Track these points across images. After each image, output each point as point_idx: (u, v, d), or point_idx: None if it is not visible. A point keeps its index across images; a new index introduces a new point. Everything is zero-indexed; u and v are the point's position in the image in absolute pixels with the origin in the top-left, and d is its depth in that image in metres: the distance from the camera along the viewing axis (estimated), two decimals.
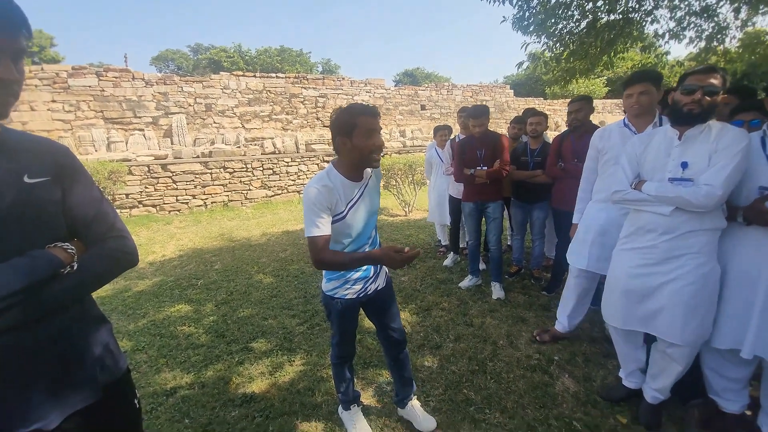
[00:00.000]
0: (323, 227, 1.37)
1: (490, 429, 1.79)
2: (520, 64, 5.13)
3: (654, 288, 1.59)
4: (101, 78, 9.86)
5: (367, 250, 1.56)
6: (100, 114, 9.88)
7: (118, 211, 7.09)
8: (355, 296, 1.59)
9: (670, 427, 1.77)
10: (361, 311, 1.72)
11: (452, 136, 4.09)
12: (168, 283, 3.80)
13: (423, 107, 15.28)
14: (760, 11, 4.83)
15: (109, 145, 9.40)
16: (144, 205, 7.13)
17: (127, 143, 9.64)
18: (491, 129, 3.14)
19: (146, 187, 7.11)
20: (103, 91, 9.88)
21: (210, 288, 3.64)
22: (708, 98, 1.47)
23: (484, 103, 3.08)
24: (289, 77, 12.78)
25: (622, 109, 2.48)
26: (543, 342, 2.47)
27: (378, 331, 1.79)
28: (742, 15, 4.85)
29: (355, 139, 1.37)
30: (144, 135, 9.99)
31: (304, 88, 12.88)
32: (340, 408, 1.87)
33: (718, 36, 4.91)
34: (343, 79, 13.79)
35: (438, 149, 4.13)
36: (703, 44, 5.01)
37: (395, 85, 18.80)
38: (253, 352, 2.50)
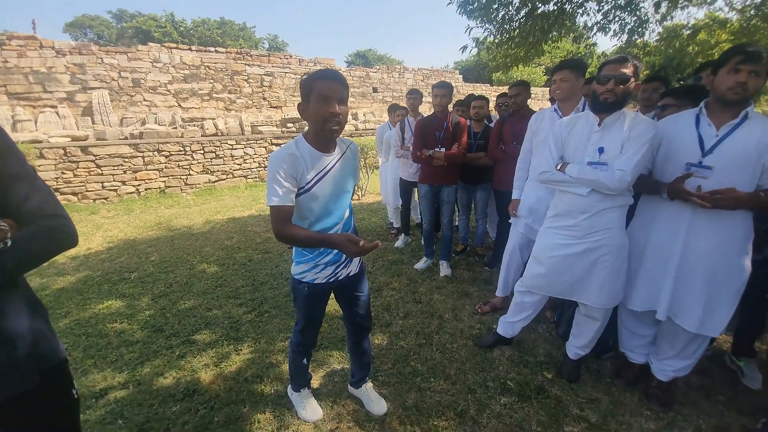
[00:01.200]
0: (285, 197, 1.30)
1: (435, 396, 1.90)
2: (464, 47, 5.23)
3: (576, 261, 1.76)
4: (4, 47, 8.39)
5: (340, 230, 1.49)
6: (3, 89, 8.45)
7: None
8: (324, 281, 1.53)
9: (587, 378, 2.01)
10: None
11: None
12: (94, 278, 3.44)
13: (375, 90, 15.11)
14: (680, 5, 5.36)
15: (15, 124, 8.09)
16: (62, 193, 6.29)
17: (36, 122, 8.37)
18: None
19: (63, 173, 6.27)
20: (6, 62, 8.44)
21: (145, 281, 3.36)
22: (621, 87, 1.59)
23: None
24: (231, 52, 11.86)
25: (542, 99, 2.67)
26: (484, 313, 2.65)
27: (345, 315, 1.76)
28: (662, 9, 5.35)
29: (311, 105, 1.29)
30: (57, 113, 8.73)
31: (248, 65, 12.05)
32: (289, 388, 1.86)
33: (639, 29, 5.40)
34: (291, 57, 13.11)
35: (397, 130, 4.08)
36: (625, 37, 5.49)
37: (347, 66, 18.33)
38: (196, 345, 2.38)
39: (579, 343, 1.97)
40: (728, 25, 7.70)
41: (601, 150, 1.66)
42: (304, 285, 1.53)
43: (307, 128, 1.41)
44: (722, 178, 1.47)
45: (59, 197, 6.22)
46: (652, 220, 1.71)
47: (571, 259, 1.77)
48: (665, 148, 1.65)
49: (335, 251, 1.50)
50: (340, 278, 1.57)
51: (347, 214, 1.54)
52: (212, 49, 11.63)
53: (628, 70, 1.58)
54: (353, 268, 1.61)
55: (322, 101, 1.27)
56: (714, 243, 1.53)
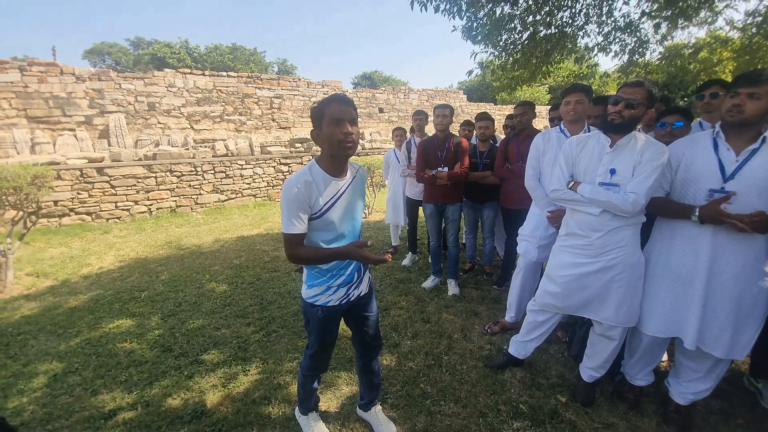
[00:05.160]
0: (299, 225, 1.36)
1: (445, 419, 1.86)
2: (470, 71, 5.39)
3: (591, 279, 1.75)
4: (25, 73, 8.83)
5: None
6: (23, 113, 8.84)
7: (44, 220, 6.31)
8: (337, 303, 1.54)
9: (602, 402, 1.95)
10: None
11: (407, 139, 4.18)
12: (106, 297, 3.49)
13: (381, 110, 15.45)
14: (679, 25, 5.47)
15: (34, 146, 8.42)
16: (77, 213, 6.46)
17: (54, 145, 8.69)
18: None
19: (79, 193, 6.45)
20: (27, 87, 8.85)
21: (155, 300, 3.39)
22: (629, 110, 1.60)
23: None
24: (242, 76, 12.29)
25: (549, 117, 2.74)
26: (494, 333, 2.61)
27: (354, 336, 1.75)
28: (662, 30, 5.47)
29: (324, 128, 1.35)
30: (75, 136, 9.07)
31: (258, 88, 12.46)
32: (297, 411, 1.84)
33: (640, 50, 5.51)
34: (300, 80, 13.53)
35: (396, 150, 4.21)
36: (626, 57, 5.60)
37: (354, 88, 18.82)
38: (204, 365, 2.38)
39: (593, 363, 1.93)
40: (730, 44, 7.80)
41: (612, 171, 1.66)
42: (317, 309, 1.53)
43: (320, 153, 1.46)
44: (745, 202, 1.46)
45: (74, 217, 6.39)
46: (670, 243, 1.68)
47: (587, 277, 1.76)
48: (684, 172, 1.63)
49: (347, 273, 1.52)
50: (351, 299, 1.57)
51: (360, 236, 1.57)
52: (224, 73, 12.08)
53: (638, 95, 1.59)
54: (363, 287, 1.62)
55: (335, 124, 1.33)
56: (740, 266, 1.50)
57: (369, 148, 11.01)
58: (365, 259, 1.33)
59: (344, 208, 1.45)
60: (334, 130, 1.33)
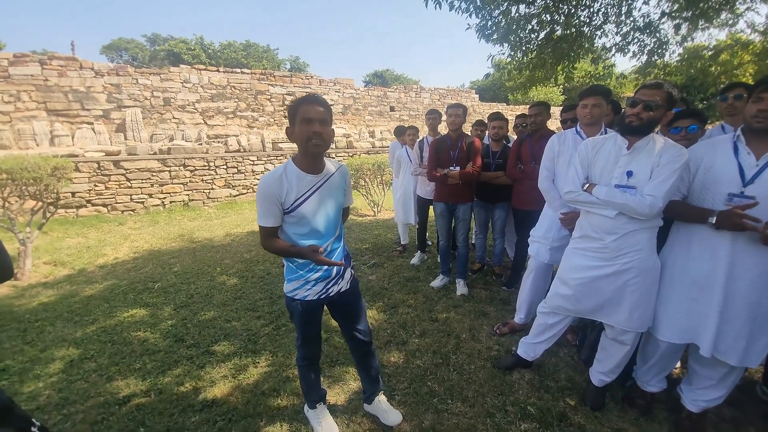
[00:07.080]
0: (269, 219, 1.46)
1: (452, 418, 1.86)
2: (488, 75, 5.38)
3: (604, 283, 1.72)
4: (45, 66, 9.04)
5: (329, 248, 1.55)
6: (43, 105, 9.06)
7: (62, 210, 6.47)
8: (315, 297, 1.59)
9: (612, 407, 1.93)
10: (327, 310, 1.73)
11: (419, 138, 4.18)
12: (121, 286, 3.57)
13: (392, 108, 15.44)
14: (700, 27, 5.35)
15: (53, 139, 8.64)
16: (93, 205, 6.62)
17: (73, 138, 8.90)
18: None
19: (96, 185, 6.61)
20: (47, 80, 9.07)
21: (168, 291, 3.46)
22: (648, 113, 1.57)
23: None
24: (255, 73, 12.42)
25: (561, 118, 2.72)
26: (502, 334, 2.60)
27: (343, 331, 1.81)
28: (682, 31, 5.35)
29: (296, 127, 1.41)
30: (93, 129, 9.27)
31: (271, 85, 12.57)
32: (305, 406, 1.87)
33: (659, 51, 5.40)
34: (312, 77, 13.61)
35: (408, 149, 4.20)
36: (645, 58, 5.49)
37: (365, 86, 18.85)
38: (215, 356, 2.42)
39: (604, 368, 1.91)
40: (751, 47, 7.59)
41: (629, 173, 1.63)
42: (297, 302, 1.59)
43: (298, 151, 1.51)
44: (765, 207, 1.41)
45: (91, 209, 6.55)
46: (687, 247, 1.64)
47: (600, 281, 1.73)
48: (703, 176, 1.59)
49: (324, 269, 1.57)
50: (331, 294, 1.62)
51: (337, 233, 1.60)
52: (238, 70, 12.22)
53: (658, 97, 1.56)
54: (344, 284, 1.66)
55: (306, 123, 1.39)
56: (757, 273, 1.47)
57: (380, 147, 11.02)
58: (319, 262, 1.43)
59: (318, 204, 1.50)
60: (304, 129, 1.39)
